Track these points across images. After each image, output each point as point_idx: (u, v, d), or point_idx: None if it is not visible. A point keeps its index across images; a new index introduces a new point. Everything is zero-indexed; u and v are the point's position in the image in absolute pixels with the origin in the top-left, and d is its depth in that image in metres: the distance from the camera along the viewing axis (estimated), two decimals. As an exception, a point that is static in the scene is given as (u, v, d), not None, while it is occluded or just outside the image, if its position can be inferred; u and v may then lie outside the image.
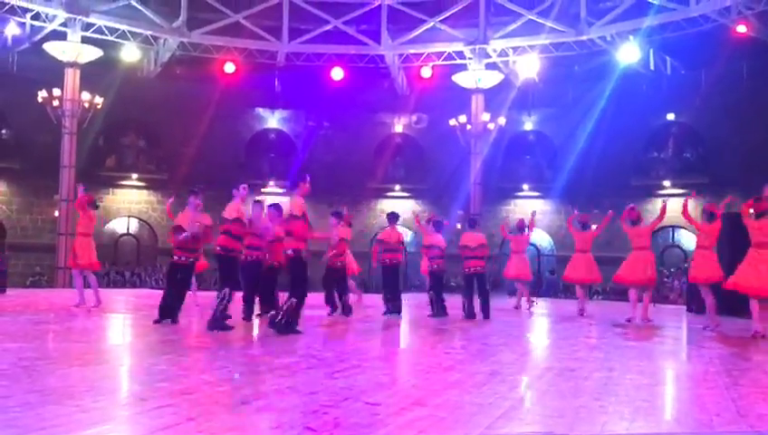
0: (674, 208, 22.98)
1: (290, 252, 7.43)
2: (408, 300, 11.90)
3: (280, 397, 3.98)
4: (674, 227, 23.35)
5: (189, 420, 3.33)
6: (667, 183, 23.02)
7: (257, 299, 9.24)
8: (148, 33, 22.24)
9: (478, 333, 7.94)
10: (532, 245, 25.69)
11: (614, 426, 3.49)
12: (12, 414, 3.32)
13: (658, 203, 22.88)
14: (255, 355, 6.08)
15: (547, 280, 23.62)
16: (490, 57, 23.05)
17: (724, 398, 4.28)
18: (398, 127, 25.67)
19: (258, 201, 9.51)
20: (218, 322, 7.53)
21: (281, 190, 23.31)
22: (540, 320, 11.77)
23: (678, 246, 23.39)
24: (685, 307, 14.36)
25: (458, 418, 3.58)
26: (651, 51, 22.52)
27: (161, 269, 21.34)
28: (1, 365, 4.86)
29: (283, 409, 3.65)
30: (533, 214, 14.19)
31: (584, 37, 21.80)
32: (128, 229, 24.72)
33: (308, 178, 7.52)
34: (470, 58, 22.99)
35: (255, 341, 7.14)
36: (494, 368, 5.38)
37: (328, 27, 23.50)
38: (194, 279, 10.24)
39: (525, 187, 24.93)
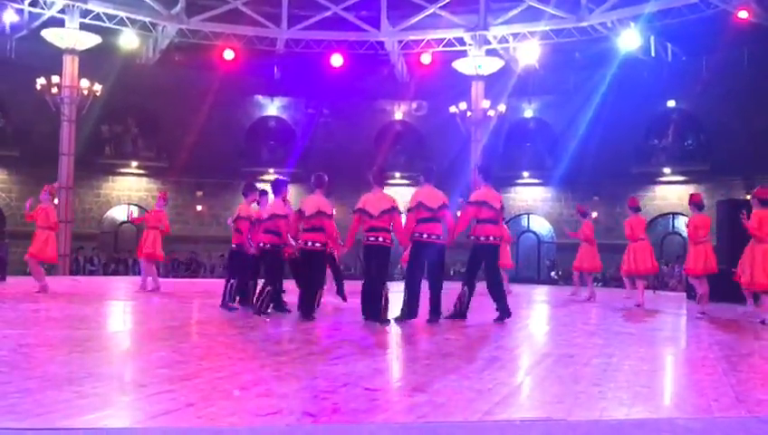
0: (673, 196, 23.05)
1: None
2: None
3: (279, 383, 3.98)
4: (674, 215, 23.36)
5: (188, 406, 3.33)
6: (667, 170, 22.99)
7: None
8: (147, 19, 22.12)
9: (477, 319, 7.95)
10: (532, 232, 25.83)
11: (613, 411, 3.49)
12: (11, 400, 3.33)
13: (659, 190, 23.01)
14: (254, 341, 6.08)
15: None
16: (490, 43, 22.93)
17: (722, 383, 4.29)
18: (398, 114, 25.61)
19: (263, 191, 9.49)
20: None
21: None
22: (539, 307, 11.80)
23: (678, 234, 23.39)
24: (684, 294, 14.40)
25: (457, 403, 3.58)
26: (652, 37, 22.39)
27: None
28: (0, 352, 4.87)
29: (283, 395, 3.65)
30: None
31: (585, 23, 21.67)
32: (128, 217, 24.72)
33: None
34: (470, 44, 22.87)
35: (255, 327, 7.15)
36: (493, 354, 5.39)
37: (327, 13, 23.36)
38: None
39: (525, 174, 24.88)
